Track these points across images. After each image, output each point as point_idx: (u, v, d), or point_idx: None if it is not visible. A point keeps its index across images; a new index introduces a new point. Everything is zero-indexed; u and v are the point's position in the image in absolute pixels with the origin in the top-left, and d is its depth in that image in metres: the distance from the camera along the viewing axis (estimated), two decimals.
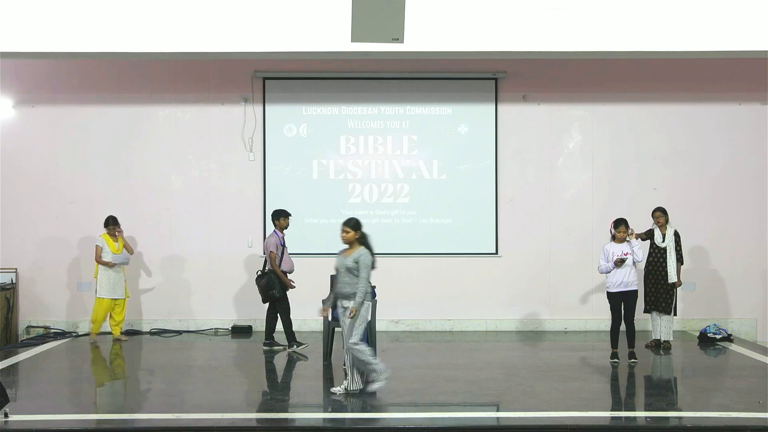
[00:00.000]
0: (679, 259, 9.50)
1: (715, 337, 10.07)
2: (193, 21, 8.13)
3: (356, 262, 7.06)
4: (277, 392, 7.92)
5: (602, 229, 9.89)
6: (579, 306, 11.01)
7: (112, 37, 8.15)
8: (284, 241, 9.49)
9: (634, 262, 8.66)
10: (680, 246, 9.52)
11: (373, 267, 7.15)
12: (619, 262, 8.57)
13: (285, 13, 8.10)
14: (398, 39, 7.94)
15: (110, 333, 10.32)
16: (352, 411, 6.75)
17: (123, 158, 11.01)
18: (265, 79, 11.02)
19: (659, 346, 9.52)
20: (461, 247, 11.05)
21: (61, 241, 10.94)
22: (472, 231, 11.07)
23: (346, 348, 7.17)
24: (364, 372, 7.16)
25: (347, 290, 7.11)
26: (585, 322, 10.98)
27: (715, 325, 10.32)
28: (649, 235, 9.52)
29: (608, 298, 8.79)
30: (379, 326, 9.32)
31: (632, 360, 8.61)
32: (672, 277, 9.38)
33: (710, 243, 10.95)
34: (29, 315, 10.92)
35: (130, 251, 10.32)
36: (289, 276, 9.44)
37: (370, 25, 7.86)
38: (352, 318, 7.03)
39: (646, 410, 7.00)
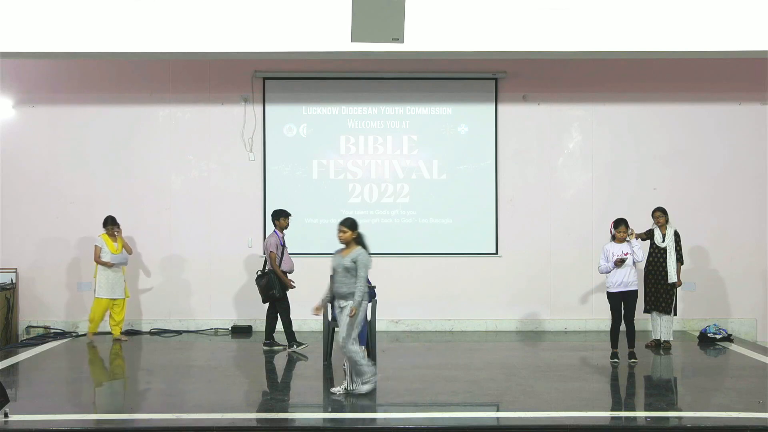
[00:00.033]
0: (679, 259, 9.50)
1: (715, 337, 10.07)
2: (193, 21, 8.13)
3: (354, 262, 7.08)
4: (277, 392, 7.92)
5: (602, 229, 9.89)
6: (579, 306, 11.01)
7: (112, 37, 8.15)
8: (284, 241, 9.49)
9: (634, 262, 8.66)
10: (680, 246, 9.52)
11: (369, 266, 7.19)
12: (619, 262, 8.57)
13: (285, 13, 8.10)
14: (398, 39, 7.94)
15: (108, 333, 10.33)
16: (352, 411, 6.74)
17: (123, 158, 11.02)
18: (265, 79, 11.02)
19: (659, 346, 9.52)
20: (461, 247, 11.05)
21: (61, 241, 10.94)
22: (472, 231, 11.07)
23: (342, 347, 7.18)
24: (354, 372, 7.16)
25: (344, 290, 7.12)
26: (585, 322, 10.98)
27: (715, 325, 10.32)
28: (649, 235, 9.52)
29: (608, 298, 8.79)
30: (379, 326, 9.32)
31: (632, 360, 8.61)
32: (672, 277, 9.38)
33: (710, 243, 10.95)
34: (29, 315, 10.92)
35: (129, 251, 10.32)
36: (289, 276, 9.44)
37: (370, 25, 7.86)
38: (352, 317, 7.03)
39: (646, 410, 6.99)
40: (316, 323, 9.76)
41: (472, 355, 9.40)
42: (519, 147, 11.10)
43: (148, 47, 8.21)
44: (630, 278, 8.63)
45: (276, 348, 9.49)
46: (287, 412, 6.99)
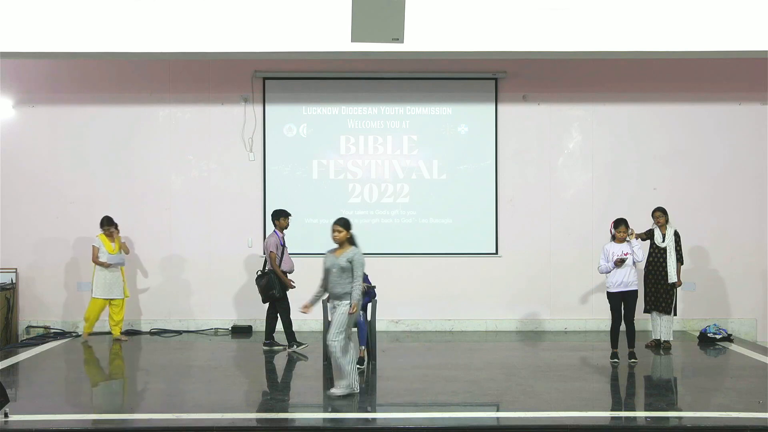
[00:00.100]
0: (679, 259, 9.50)
1: (715, 337, 10.07)
2: (193, 21, 8.13)
3: (350, 262, 7.11)
4: (277, 392, 7.92)
5: (602, 229, 9.89)
6: (579, 306, 11.01)
7: (112, 37, 8.15)
8: (284, 241, 9.49)
9: (634, 262, 8.66)
10: (680, 246, 9.52)
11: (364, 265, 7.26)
12: (619, 262, 8.57)
13: (285, 13, 8.09)
14: (398, 39, 7.93)
15: (105, 333, 10.34)
16: (352, 411, 6.74)
17: (123, 158, 11.02)
18: (265, 79, 11.02)
19: (659, 346, 9.52)
20: (461, 247, 11.05)
21: (61, 241, 10.94)
22: (472, 231, 11.07)
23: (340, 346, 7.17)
24: (334, 367, 7.14)
25: (338, 290, 7.14)
26: (585, 322, 10.98)
27: (715, 325, 10.32)
28: (649, 235, 9.52)
29: (608, 298, 8.79)
30: (379, 326, 9.32)
31: (632, 360, 8.61)
32: (672, 277, 9.38)
33: (710, 243, 10.95)
34: (29, 315, 10.92)
35: (126, 251, 10.31)
36: (289, 276, 9.44)
37: (370, 25, 7.86)
38: (351, 314, 7.06)
39: (646, 410, 6.99)
40: (317, 323, 9.75)
41: (472, 355, 9.40)
42: (519, 147, 11.10)
43: (148, 47, 8.21)
44: (630, 278, 8.63)
45: (276, 348, 9.49)
46: (287, 412, 6.99)
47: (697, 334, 10.35)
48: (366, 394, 7.27)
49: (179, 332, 10.82)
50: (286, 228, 9.56)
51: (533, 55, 8.68)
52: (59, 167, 10.99)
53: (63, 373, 8.85)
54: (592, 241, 10.71)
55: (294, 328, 9.49)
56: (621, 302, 8.71)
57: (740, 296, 10.99)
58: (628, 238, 8.70)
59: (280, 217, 9.54)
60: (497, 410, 7.08)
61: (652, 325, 9.69)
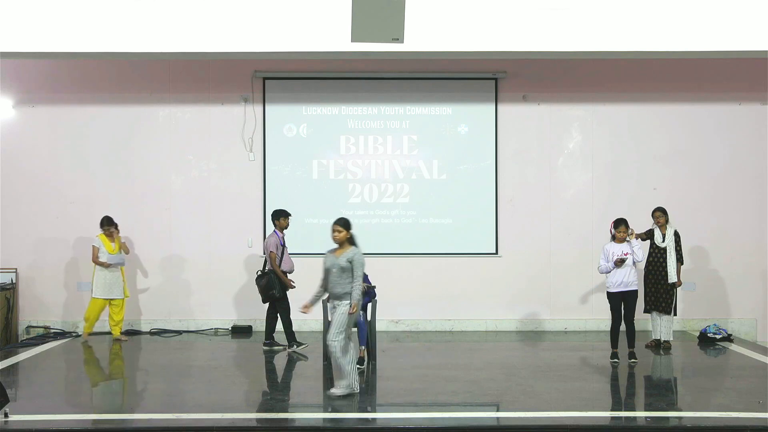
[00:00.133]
0: (679, 259, 9.50)
1: (715, 337, 10.07)
2: (193, 21, 8.13)
3: (350, 262, 7.12)
4: (277, 392, 7.92)
5: (602, 229, 9.89)
6: (579, 306, 11.01)
7: (112, 37, 8.15)
8: (284, 241, 9.49)
9: (634, 262, 8.66)
10: (680, 246, 9.52)
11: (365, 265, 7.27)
12: (619, 262, 8.57)
13: (285, 13, 8.09)
14: (398, 39, 7.93)
15: (106, 333, 10.34)
16: (352, 411, 6.74)
17: (123, 158, 11.02)
18: (265, 79, 11.02)
19: (659, 346, 9.52)
20: (461, 247, 11.05)
21: (61, 241, 10.94)
22: (472, 231, 11.07)
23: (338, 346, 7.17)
24: (334, 367, 7.15)
25: (338, 290, 7.14)
26: (585, 322, 10.98)
27: (715, 325, 10.32)
28: (649, 235, 9.52)
29: (608, 298, 8.79)
30: (379, 326, 9.33)
31: (632, 360, 8.61)
32: (672, 277, 9.38)
33: (710, 243, 10.95)
34: (29, 315, 10.92)
35: (126, 251, 10.31)
36: (289, 276, 9.44)
37: (370, 25, 7.86)
38: (352, 314, 7.07)
39: (646, 410, 6.99)
40: (317, 323, 9.75)
41: (472, 355, 9.40)
42: (519, 147, 11.10)
43: (148, 47, 8.21)
44: (630, 278, 8.63)
45: (276, 348, 9.49)
46: (287, 412, 6.99)
47: (697, 334, 10.35)
48: (366, 394, 7.27)
49: (179, 332, 10.82)
50: (286, 228, 9.56)
51: (533, 55, 8.68)
52: (59, 167, 10.99)
53: (63, 373, 8.85)
54: (592, 241, 10.71)
55: (294, 328, 9.49)
56: (621, 302, 8.71)
57: (740, 296, 10.99)
58: (628, 238, 8.70)
59: (280, 217, 9.54)
60: (497, 410, 7.08)
61: (652, 325, 9.69)
